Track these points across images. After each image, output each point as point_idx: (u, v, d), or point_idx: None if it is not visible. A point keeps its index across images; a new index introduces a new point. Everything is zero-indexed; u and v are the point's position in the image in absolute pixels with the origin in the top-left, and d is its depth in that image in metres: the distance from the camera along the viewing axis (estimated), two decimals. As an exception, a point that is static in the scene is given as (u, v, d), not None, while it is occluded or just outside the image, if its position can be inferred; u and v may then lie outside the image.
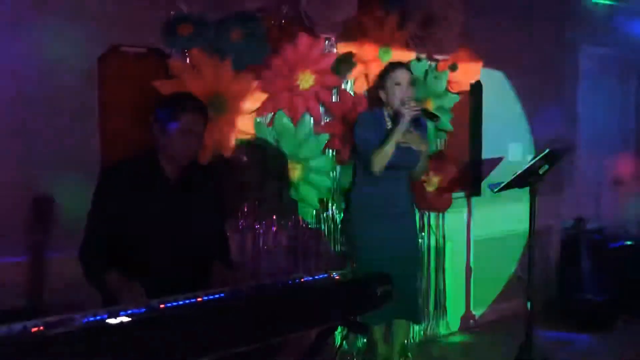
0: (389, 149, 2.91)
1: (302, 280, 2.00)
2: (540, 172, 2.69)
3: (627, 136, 5.65)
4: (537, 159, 2.63)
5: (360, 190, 3.14)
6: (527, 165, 2.67)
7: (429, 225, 3.82)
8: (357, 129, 3.05)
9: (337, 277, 2.03)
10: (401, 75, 3.01)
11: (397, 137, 2.92)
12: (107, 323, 1.49)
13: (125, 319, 1.52)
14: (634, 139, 5.66)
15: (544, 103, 4.50)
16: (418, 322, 3.53)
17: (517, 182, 2.74)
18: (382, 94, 3.08)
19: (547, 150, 2.61)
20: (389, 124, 3.05)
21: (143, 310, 1.61)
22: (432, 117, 3.04)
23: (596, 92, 5.21)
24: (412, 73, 3.10)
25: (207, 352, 1.60)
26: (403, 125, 2.92)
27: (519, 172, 2.69)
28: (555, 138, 2.81)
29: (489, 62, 3.97)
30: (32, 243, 2.31)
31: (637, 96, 5.63)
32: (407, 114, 2.91)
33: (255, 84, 2.93)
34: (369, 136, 2.98)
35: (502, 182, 2.76)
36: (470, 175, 4.03)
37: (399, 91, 3.00)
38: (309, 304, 1.87)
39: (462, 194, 4.07)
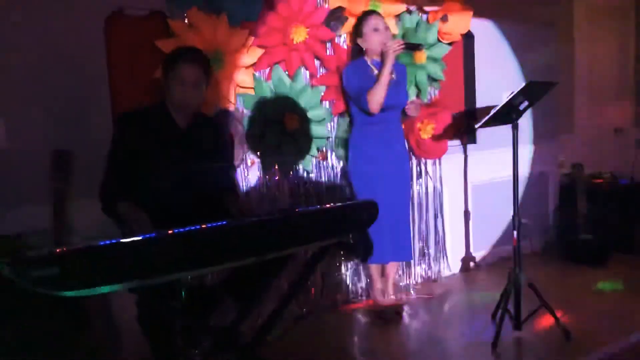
0: (382, 85, 3.07)
1: (297, 209, 2.22)
2: (521, 108, 2.79)
3: (625, 83, 5.71)
4: (515, 92, 2.72)
5: (356, 135, 3.32)
6: (506, 100, 2.75)
7: (426, 171, 3.99)
8: (347, 80, 3.21)
9: (327, 206, 2.24)
10: (377, 21, 3.18)
11: (387, 74, 3.08)
12: (121, 242, 1.71)
13: (137, 238, 1.74)
14: (632, 86, 5.72)
15: (539, 51, 4.60)
16: (409, 260, 3.75)
17: (498, 117, 2.82)
18: (361, 43, 3.23)
19: (525, 84, 2.71)
20: (375, 71, 3.21)
21: (154, 235, 1.84)
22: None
23: (593, 38, 5.28)
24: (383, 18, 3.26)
25: (215, 263, 1.80)
26: (390, 63, 3.09)
27: (498, 106, 2.78)
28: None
29: (480, 12, 4.08)
30: (55, 190, 2.52)
31: (636, 43, 5.67)
32: (392, 50, 3.08)
33: (251, 39, 3.11)
34: (359, 83, 3.15)
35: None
36: (466, 123, 4.18)
37: (377, 37, 3.16)
38: (303, 226, 2.06)
39: (458, 142, 4.23)
